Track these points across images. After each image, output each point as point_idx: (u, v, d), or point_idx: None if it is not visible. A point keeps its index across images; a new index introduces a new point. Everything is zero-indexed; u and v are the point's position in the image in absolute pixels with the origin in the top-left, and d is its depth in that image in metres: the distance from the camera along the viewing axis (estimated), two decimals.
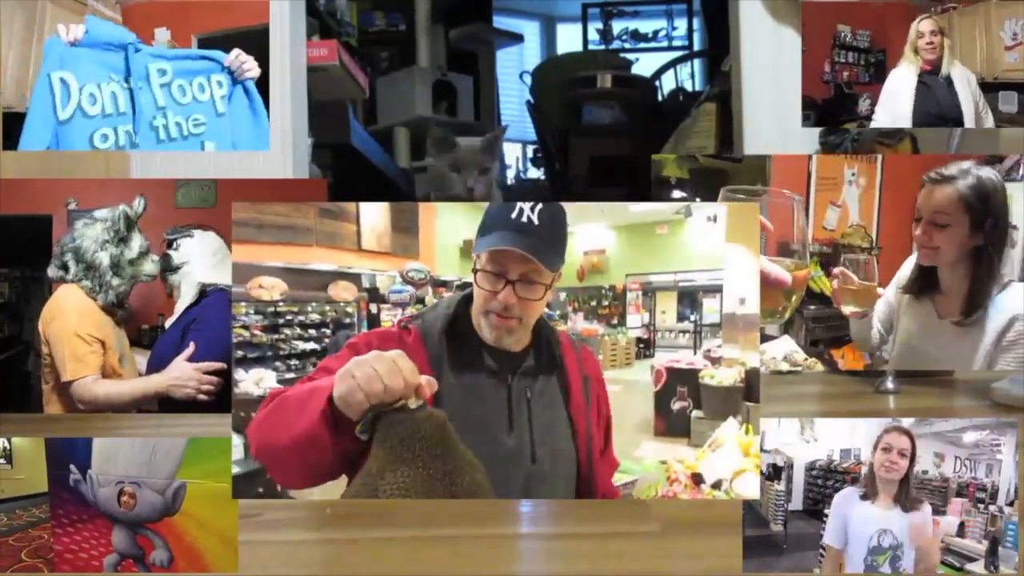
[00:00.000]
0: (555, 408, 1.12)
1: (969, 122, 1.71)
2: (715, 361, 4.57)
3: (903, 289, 1.62)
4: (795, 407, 1.65)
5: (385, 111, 3.74)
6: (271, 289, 4.51)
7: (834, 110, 1.76)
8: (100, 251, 1.67)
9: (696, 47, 4.93)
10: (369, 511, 1.49)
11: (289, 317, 4.82)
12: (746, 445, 2.45)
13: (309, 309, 4.95)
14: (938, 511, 1.52)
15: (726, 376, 4.18)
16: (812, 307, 2.29)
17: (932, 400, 1.67)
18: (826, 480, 1.56)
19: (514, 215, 1.02)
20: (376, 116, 3.74)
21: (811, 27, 1.74)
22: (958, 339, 1.51)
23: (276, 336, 4.70)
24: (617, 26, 5.19)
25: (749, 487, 2.03)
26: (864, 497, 1.49)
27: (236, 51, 1.66)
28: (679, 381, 4.61)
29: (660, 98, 3.81)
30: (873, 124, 1.76)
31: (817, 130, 1.76)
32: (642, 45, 5.13)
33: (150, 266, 1.73)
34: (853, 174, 2.45)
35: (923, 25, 1.71)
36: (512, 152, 4.90)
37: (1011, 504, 1.50)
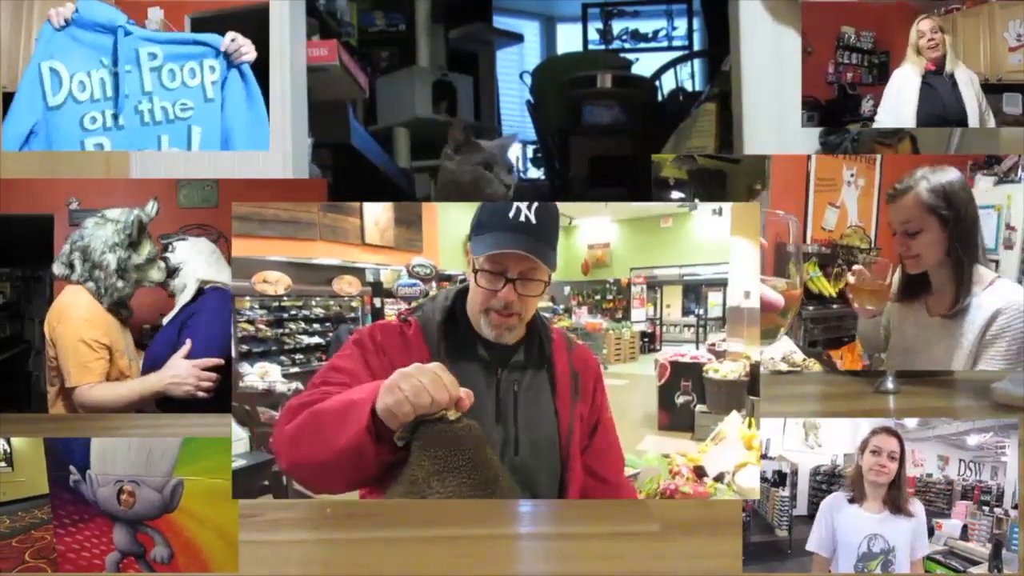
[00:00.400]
0: (541, 402, 1.13)
1: (973, 123, 1.71)
2: (719, 355, 4.57)
3: (893, 298, 1.64)
4: (795, 407, 1.65)
5: (385, 111, 3.74)
6: (276, 284, 4.52)
7: (837, 111, 1.76)
8: (108, 253, 1.65)
9: (696, 47, 4.92)
10: (369, 511, 1.49)
11: (293, 312, 4.83)
12: (748, 438, 2.45)
13: (313, 303, 4.96)
14: (942, 514, 1.51)
15: (730, 370, 4.17)
16: (811, 308, 2.29)
17: (932, 400, 1.67)
18: (830, 485, 1.56)
19: (511, 214, 1.03)
20: (376, 116, 3.74)
21: (815, 28, 1.74)
22: (945, 334, 1.53)
23: (280, 331, 4.71)
24: (617, 26, 5.18)
25: (751, 480, 2.03)
26: (852, 501, 1.48)
27: (232, 34, 1.65)
28: (683, 375, 4.61)
29: (660, 98, 3.80)
30: (876, 125, 1.76)
31: (817, 130, 1.76)
32: (642, 45, 5.13)
33: (156, 273, 1.72)
34: (852, 175, 2.45)
35: (923, 25, 1.71)
36: (512, 152, 4.88)
37: (1016, 507, 1.50)
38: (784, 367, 1.90)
